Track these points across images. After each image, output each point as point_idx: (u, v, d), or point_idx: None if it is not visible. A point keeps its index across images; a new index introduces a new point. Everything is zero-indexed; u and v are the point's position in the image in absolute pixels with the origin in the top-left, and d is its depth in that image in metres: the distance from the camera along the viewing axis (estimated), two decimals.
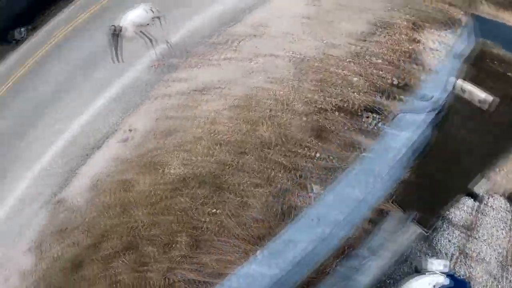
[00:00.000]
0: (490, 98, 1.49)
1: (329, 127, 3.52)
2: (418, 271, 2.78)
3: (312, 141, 3.42)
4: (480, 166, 1.97)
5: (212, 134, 3.63)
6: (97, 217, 3.39)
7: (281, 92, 4.05)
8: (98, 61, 4.85)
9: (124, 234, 3.14)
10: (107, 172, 3.80)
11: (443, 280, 2.37)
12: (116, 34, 4.19)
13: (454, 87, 1.59)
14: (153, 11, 4.45)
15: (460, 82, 1.52)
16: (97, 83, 4.77)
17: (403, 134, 1.73)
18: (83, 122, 4.44)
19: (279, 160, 3.28)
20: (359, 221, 1.98)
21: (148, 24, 4.46)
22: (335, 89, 3.99)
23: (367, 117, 3.67)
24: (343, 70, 4.23)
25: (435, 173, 2.06)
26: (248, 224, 2.89)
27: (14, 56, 5.82)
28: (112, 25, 4.22)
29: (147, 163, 3.59)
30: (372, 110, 3.71)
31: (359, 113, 3.71)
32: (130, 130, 4.08)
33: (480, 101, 1.50)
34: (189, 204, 3.13)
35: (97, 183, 3.75)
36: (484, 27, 3.36)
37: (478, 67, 1.45)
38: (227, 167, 3.30)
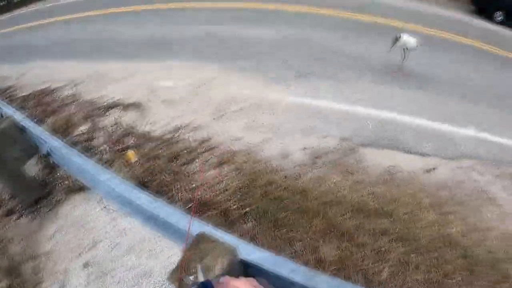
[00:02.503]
0: None
1: None
2: None
3: None
4: None
5: None
6: (387, 197, 3.82)
7: None
8: None
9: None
10: (406, 176, 4.28)
11: None
12: None
13: None
14: None
15: None
16: None
17: None
18: None
19: None
20: None
21: None
22: None
23: None
24: None
25: None
26: None
27: None
28: None
29: (435, 204, 3.98)
30: None
31: None
32: (434, 169, 4.52)
33: None
34: None
35: (394, 174, 4.23)
36: None
37: None
38: None
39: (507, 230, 4.03)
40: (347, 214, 3.54)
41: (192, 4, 10.38)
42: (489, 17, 13.96)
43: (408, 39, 6.23)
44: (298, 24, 8.81)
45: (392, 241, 3.44)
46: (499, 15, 13.94)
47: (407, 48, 6.35)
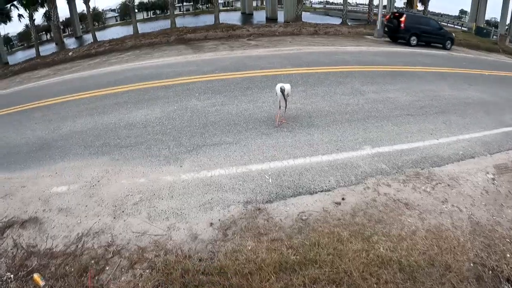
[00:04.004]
0: None
1: None
2: None
3: None
4: None
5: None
6: (306, 245, 3.71)
7: None
8: None
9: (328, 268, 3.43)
10: (318, 217, 4.23)
11: None
12: None
13: None
14: None
15: None
16: None
17: None
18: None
19: None
20: None
21: None
22: None
23: None
24: None
25: None
26: None
27: None
28: None
29: (355, 232, 3.93)
30: None
31: None
32: (343, 199, 4.56)
33: None
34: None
35: (307, 219, 4.17)
36: None
37: None
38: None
39: (430, 225, 4.15)
40: (272, 277, 3.35)
41: (77, 95, 10.06)
42: (407, 43, 19.70)
43: (287, 87, 6.49)
44: (177, 98, 8.86)
45: (325, 286, 3.29)
46: (413, 40, 19.76)
47: (287, 95, 6.61)
